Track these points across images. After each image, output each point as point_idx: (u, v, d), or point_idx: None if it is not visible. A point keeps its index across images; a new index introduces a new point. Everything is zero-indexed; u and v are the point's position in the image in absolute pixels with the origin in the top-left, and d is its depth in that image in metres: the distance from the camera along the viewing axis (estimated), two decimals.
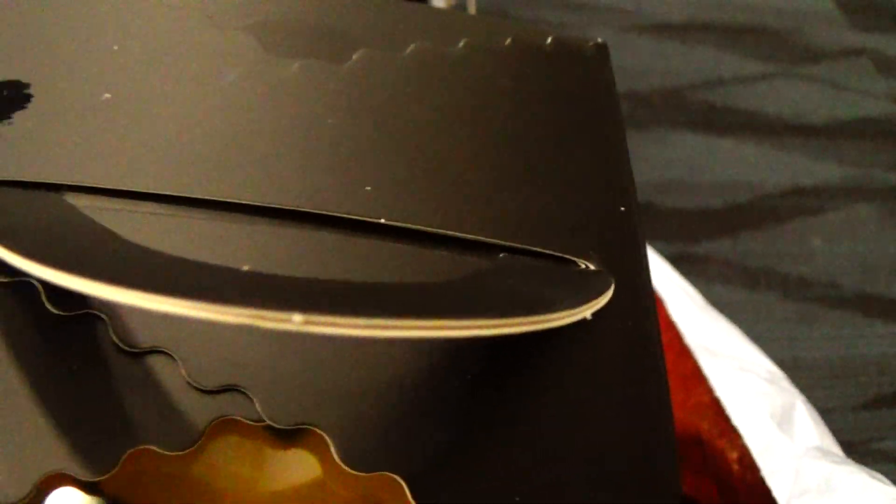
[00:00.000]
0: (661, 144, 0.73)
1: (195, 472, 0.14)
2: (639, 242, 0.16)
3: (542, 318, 0.11)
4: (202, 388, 0.13)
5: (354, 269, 0.14)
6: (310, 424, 0.13)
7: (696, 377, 0.28)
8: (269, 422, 0.13)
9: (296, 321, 0.09)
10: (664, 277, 0.32)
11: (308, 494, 0.14)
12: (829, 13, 0.98)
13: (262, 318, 0.09)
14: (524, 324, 0.11)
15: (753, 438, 0.25)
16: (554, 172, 0.15)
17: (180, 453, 0.13)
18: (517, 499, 0.13)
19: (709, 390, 0.28)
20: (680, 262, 0.61)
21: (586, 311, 0.12)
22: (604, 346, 0.14)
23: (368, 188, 0.14)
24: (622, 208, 0.16)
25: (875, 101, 0.81)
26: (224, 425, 0.13)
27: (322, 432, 0.13)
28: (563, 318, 0.12)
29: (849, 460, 0.25)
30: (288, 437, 0.14)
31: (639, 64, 0.83)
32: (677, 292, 0.31)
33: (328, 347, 0.14)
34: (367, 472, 0.13)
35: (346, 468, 0.13)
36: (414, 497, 0.13)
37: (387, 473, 0.13)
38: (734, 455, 0.26)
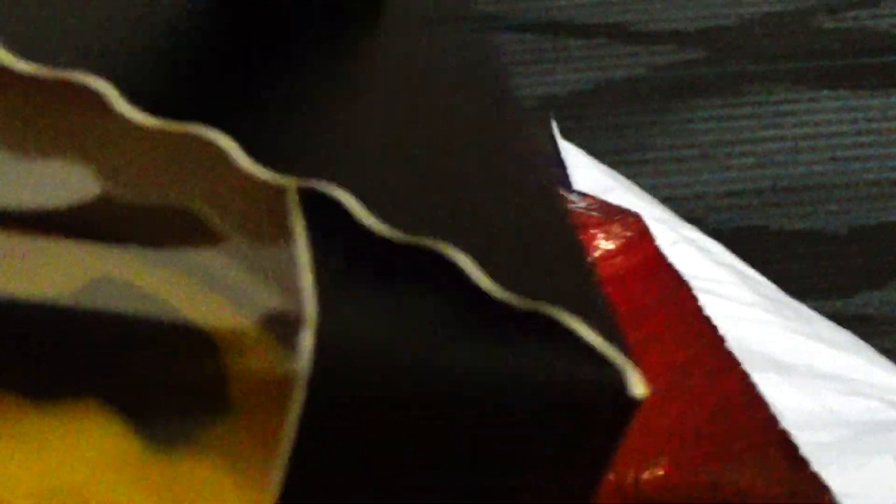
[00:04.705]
0: (758, 118, 0.78)
1: None
2: None
3: None
4: None
5: None
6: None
7: (750, 407, 0.31)
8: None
9: None
10: (694, 254, 0.40)
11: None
12: None
13: None
14: None
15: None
16: None
17: None
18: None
19: (772, 427, 0.30)
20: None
21: None
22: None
23: None
24: None
25: None
26: None
27: (215, 136, 0.19)
28: None
29: None
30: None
31: None
32: (723, 276, 0.39)
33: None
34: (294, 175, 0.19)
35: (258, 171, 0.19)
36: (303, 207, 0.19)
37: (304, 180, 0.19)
38: None
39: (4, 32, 0.19)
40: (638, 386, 0.18)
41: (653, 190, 0.65)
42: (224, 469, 0.20)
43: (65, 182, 0.20)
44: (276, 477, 0.19)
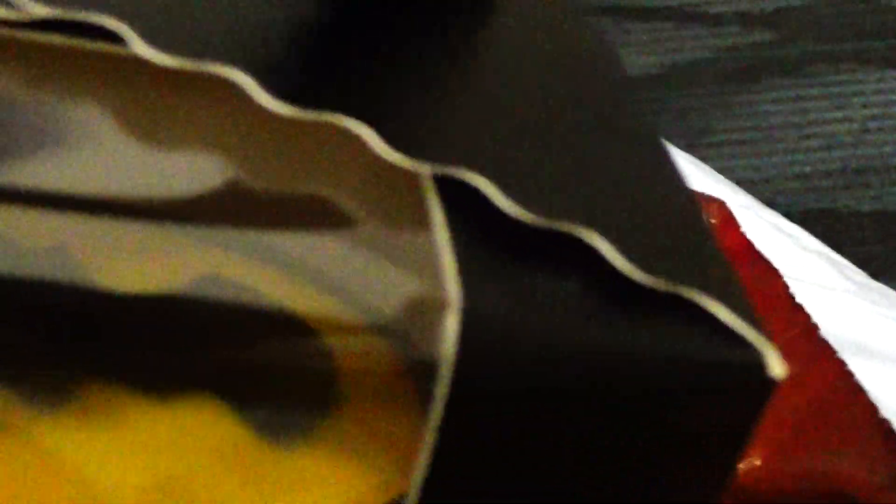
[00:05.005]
0: (825, 99, 0.78)
1: None
2: None
3: None
4: None
5: None
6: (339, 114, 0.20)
7: (847, 395, 0.31)
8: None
9: None
10: (781, 240, 0.39)
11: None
12: None
13: None
14: None
15: None
16: None
17: None
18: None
19: (871, 416, 0.30)
20: None
21: None
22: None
23: None
24: None
25: None
26: None
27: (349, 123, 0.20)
28: None
29: None
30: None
31: None
32: (811, 262, 0.37)
33: None
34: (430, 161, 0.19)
35: (397, 155, 0.19)
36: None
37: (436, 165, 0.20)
38: None
39: (143, 27, 0.20)
40: (777, 366, 0.18)
41: (719, 174, 0.65)
42: (335, 461, 0.20)
43: (195, 170, 0.20)
44: (421, 459, 0.19)
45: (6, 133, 0.20)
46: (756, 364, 0.18)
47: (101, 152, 0.20)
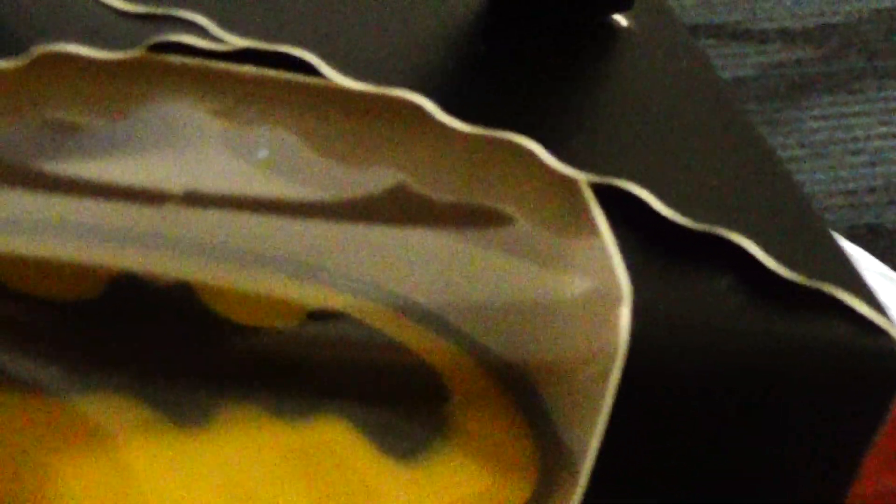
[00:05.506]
0: (869, 115, 0.77)
1: None
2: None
3: None
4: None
5: None
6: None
7: None
8: (229, 42, 0.22)
9: None
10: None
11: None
12: None
13: None
14: None
15: None
16: None
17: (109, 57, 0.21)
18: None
19: None
20: None
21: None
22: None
23: None
24: None
25: None
26: None
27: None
28: None
29: None
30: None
31: None
32: (875, 283, 0.40)
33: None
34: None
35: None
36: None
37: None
38: None
39: (332, 57, 0.21)
40: None
41: None
42: (454, 475, 0.21)
43: (368, 177, 0.22)
44: (591, 442, 0.21)
45: (160, 138, 0.22)
46: (893, 350, 0.19)
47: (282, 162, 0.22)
